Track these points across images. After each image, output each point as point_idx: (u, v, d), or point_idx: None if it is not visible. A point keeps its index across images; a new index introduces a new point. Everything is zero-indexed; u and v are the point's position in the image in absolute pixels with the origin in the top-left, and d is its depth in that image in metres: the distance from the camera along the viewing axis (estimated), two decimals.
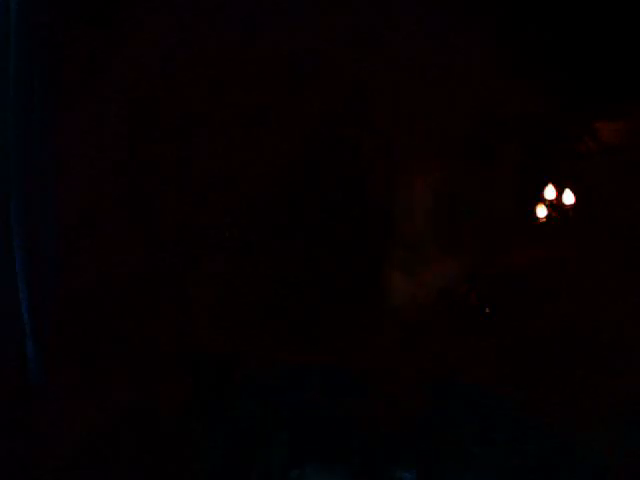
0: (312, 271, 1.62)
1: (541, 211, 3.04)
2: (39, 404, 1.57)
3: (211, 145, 1.65)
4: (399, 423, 1.50)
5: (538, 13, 2.00)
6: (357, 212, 1.67)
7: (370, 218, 1.70)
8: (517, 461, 1.54)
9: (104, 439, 1.58)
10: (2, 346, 1.60)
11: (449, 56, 1.55)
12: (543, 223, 2.67)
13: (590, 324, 1.57)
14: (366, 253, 1.68)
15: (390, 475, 1.49)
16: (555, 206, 3.07)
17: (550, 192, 3.16)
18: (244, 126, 1.63)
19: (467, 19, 1.57)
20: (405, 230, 1.73)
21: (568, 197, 3.09)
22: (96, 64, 1.67)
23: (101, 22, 1.70)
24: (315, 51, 1.56)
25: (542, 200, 3.11)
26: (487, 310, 1.67)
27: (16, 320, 1.58)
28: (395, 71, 1.56)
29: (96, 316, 1.62)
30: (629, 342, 1.55)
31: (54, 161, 1.65)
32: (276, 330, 1.56)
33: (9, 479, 1.54)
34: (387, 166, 1.71)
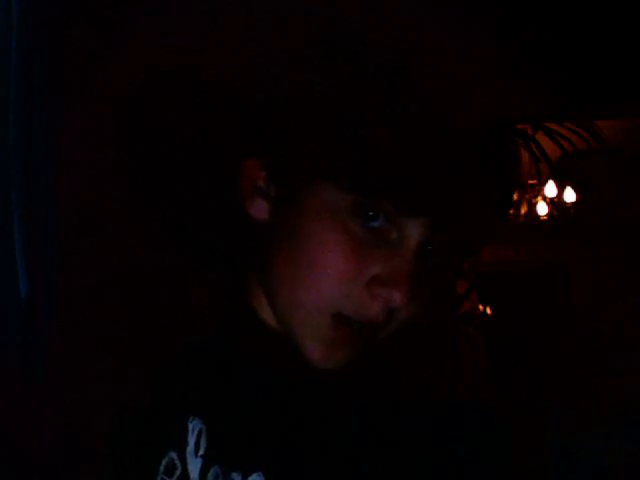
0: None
1: (541, 211, 3.05)
2: (39, 402, 1.57)
3: None
4: None
5: (538, 13, 2.00)
6: None
7: None
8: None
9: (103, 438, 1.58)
10: (2, 345, 1.60)
11: (449, 56, 1.55)
12: (543, 223, 2.67)
13: (590, 324, 1.57)
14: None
15: None
16: (555, 206, 3.07)
17: (550, 192, 3.16)
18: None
19: (467, 19, 1.58)
20: None
21: (568, 197, 3.09)
22: (96, 64, 1.67)
23: (101, 22, 1.70)
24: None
25: (542, 200, 3.12)
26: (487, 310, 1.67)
27: (16, 319, 1.58)
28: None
29: (96, 316, 1.63)
30: (629, 342, 1.55)
31: (54, 161, 1.65)
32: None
33: (7, 478, 1.55)
34: None
